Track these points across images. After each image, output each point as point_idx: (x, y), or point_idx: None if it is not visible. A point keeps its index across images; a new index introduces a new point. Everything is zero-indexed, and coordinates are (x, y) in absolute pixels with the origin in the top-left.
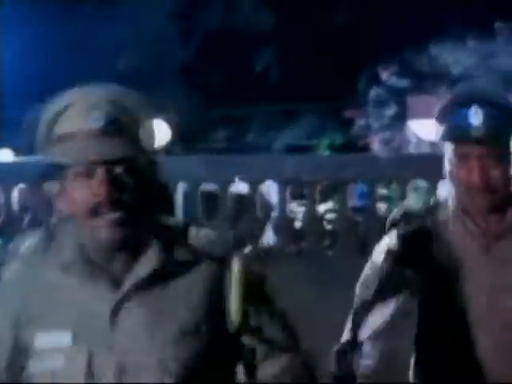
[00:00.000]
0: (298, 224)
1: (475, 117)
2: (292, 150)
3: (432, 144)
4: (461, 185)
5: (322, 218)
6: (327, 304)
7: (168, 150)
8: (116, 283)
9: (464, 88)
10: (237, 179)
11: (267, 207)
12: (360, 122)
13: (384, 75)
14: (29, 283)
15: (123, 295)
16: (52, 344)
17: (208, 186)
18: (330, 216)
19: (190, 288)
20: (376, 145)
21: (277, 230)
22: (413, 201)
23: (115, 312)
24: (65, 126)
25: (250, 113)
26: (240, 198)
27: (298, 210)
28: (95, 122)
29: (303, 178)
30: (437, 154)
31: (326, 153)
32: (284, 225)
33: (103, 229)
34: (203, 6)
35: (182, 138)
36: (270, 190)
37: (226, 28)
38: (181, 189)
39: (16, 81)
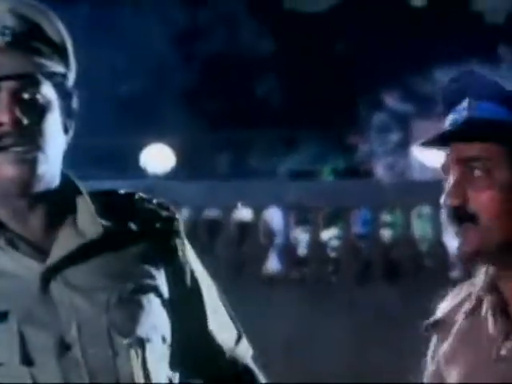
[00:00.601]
0: (301, 250)
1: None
2: (295, 175)
3: (436, 169)
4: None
5: (325, 244)
6: (329, 330)
7: (170, 175)
8: (37, 249)
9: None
10: (240, 205)
11: (270, 233)
12: (363, 148)
13: (387, 100)
14: None
15: (52, 266)
16: None
17: (211, 213)
18: (333, 243)
19: (132, 256)
20: (380, 170)
21: (280, 257)
22: (417, 228)
23: (44, 285)
24: None
25: (253, 138)
26: (243, 224)
27: (301, 236)
28: None
29: (306, 204)
30: (441, 179)
31: (330, 178)
32: (287, 251)
33: (8, 166)
34: (205, 31)
35: (184, 164)
36: (273, 216)
37: (228, 53)
38: (183, 215)
39: None
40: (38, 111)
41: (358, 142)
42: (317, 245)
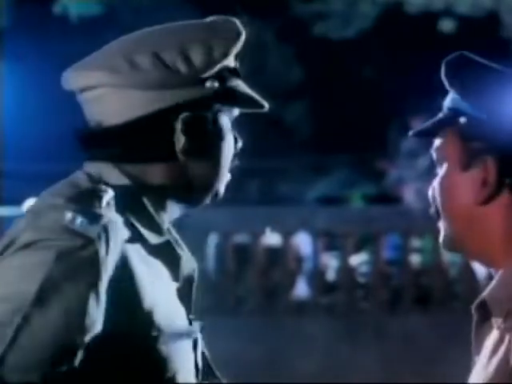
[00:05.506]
0: (330, 276)
1: None
2: (324, 201)
3: None
4: None
5: (355, 270)
6: (358, 357)
7: None
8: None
9: None
10: (268, 231)
11: (299, 259)
12: (392, 173)
13: (416, 125)
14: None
15: None
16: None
17: (239, 238)
18: (363, 269)
19: None
20: (409, 196)
21: (309, 283)
22: (447, 253)
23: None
24: None
25: (282, 164)
26: (271, 250)
27: (330, 262)
28: None
29: (336, 230)
30: None
31: (359, 204)
32: (316, 277)
33: None
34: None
35: None
36: (302, 241)
37: (257, 81)
38: (212, 241)
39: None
40: None
41: (386, 168)
42: (346, 271)
